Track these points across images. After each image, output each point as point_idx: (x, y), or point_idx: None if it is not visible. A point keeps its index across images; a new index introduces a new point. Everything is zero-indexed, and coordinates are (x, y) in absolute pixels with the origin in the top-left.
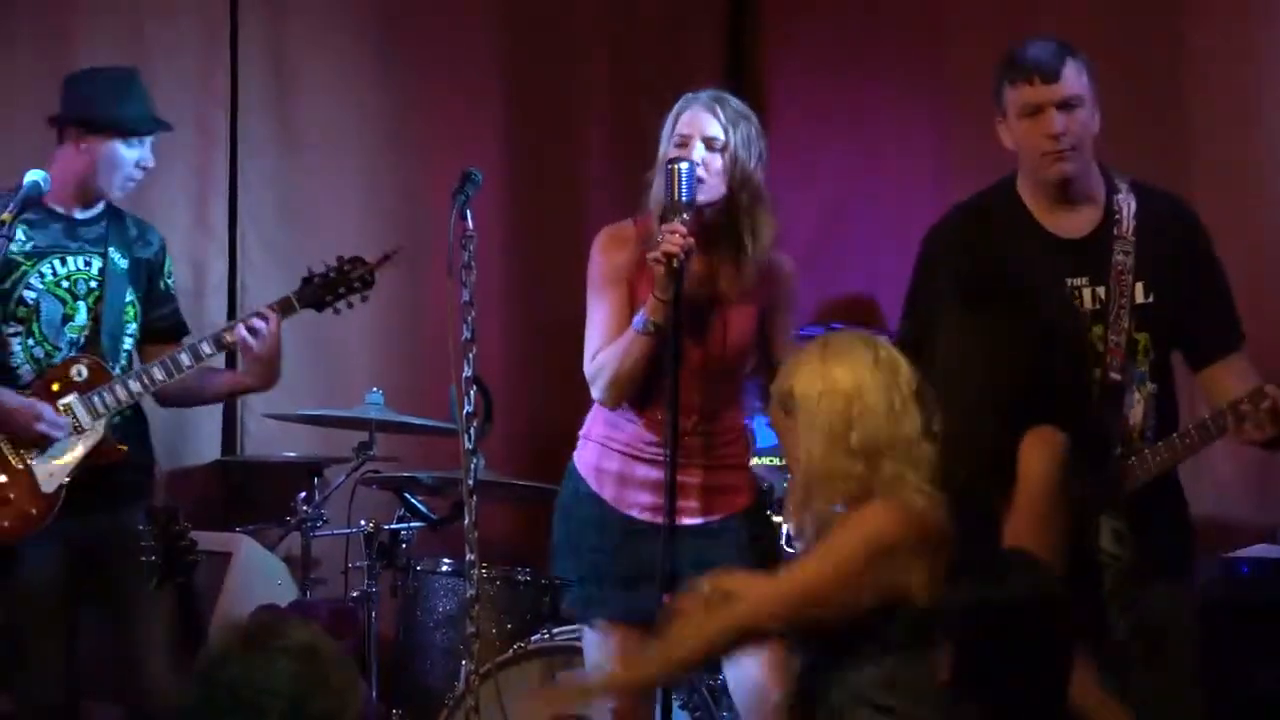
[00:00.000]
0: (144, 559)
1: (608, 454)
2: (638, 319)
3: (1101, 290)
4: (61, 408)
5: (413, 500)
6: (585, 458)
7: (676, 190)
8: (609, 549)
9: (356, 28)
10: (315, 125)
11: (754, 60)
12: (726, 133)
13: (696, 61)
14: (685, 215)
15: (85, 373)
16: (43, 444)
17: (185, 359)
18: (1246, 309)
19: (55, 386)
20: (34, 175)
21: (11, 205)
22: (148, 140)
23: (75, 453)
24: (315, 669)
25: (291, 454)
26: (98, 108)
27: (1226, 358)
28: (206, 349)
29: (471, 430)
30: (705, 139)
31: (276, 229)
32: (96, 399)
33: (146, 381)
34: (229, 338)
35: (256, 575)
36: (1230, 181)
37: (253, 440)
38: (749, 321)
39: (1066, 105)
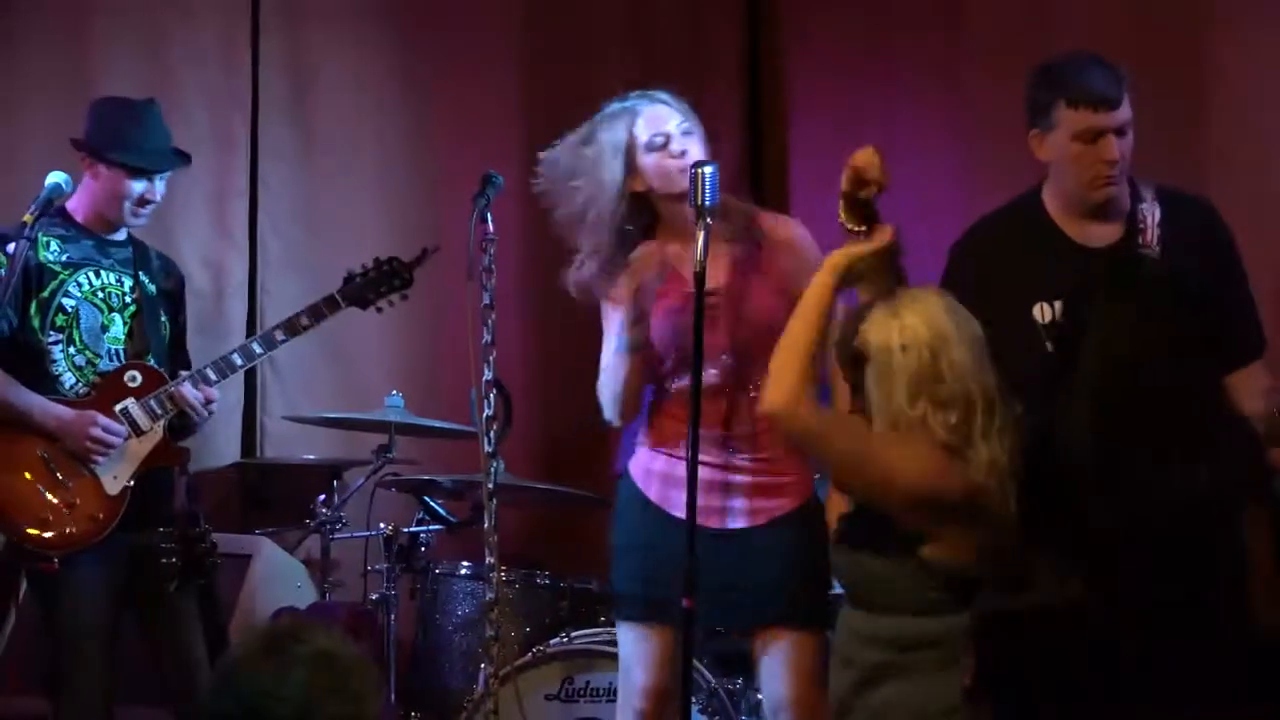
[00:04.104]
0: (164, 561)
1: (655, 455)
2: (618, 341)
3: None
4: (118, 413)
5: (432, 503)
6: (636, 460)
7: (700, 194)
8: (652, 550)
9: (376, 31)
10: (335, 128)
11: (773, 62)
12: (689, 117)
13: (716, 63)
14: (709, 220)
15: (139, 378)
16: (101, 453)
17: (238, 359)
18: (1267, 319)
19: (111, 395)
20: (55, 177)
21: (33, 207)
22: (156, 176)
23: (138, 455)
24: (330, 675)
25: (311, 456)
26: (105, 140)
27: (1246, 365)
28: (258, 349)
29: (491, 433)
30: (681, 130)
31: (296, 232)
32: (153, 401)
33: (202, 383)
34: (280, 337)
35: (276, 578)
36: (1251, 194)
37: (272, 442)
38: (768, 296)
39: (1121, 131)
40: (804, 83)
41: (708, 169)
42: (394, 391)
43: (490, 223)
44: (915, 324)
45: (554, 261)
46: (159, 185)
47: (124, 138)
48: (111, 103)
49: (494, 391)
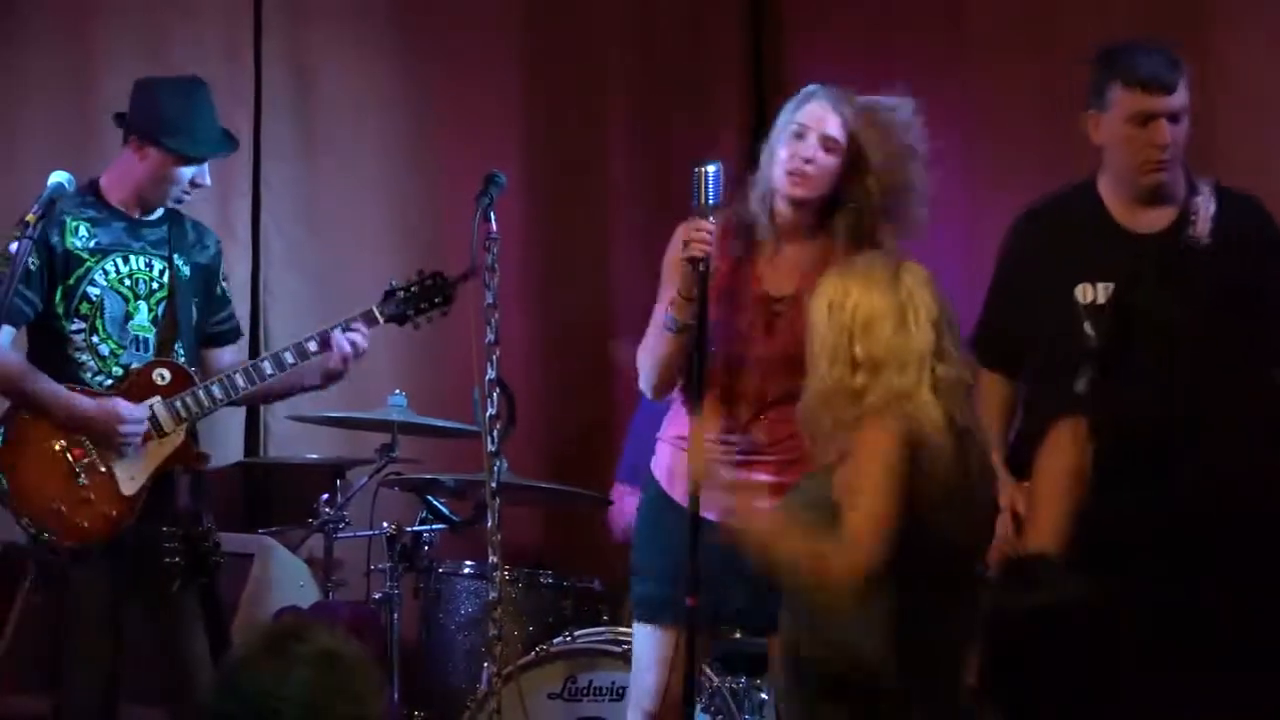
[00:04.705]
0: (168, 560)
1: (680, 455)
2: (666, 317)
3: None
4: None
5: (435, 502)
6: (659, 460)
7: (703, 194)
8: (675, 550)
9: (378, 31)
10: (337, 128)
11: (774, 62)
12: (845, 134)
13: (719, 62)
14: (712, 218)
15: (168, 376)
16: (125, 445)
17: (268, 367)
18: None
19: (138, 392)
20: (58, 177)
21: (36, 208)
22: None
23: (157, 456)
24: (334, 676)
25: (314, 456)
26: (157, 124)
27: None
28: (289, 358)
29: (494, 432)
30: (822, 136)
31: (299, 231)
32: (179, 403)
33: (230, 388)
34: (313, 348)
35: (279, 577)
36: (1255, 191)
37: (275, 442)
38: None
39: (1175, 117)
40: (805, 83)
41: (709, 168)
42: (397, 391)
43: (493, 222)
44: (853, 289)
45: (556, 260)
46: (205, 169)
47: (176, 121)
48: (162, 83)
49: (497, 390)
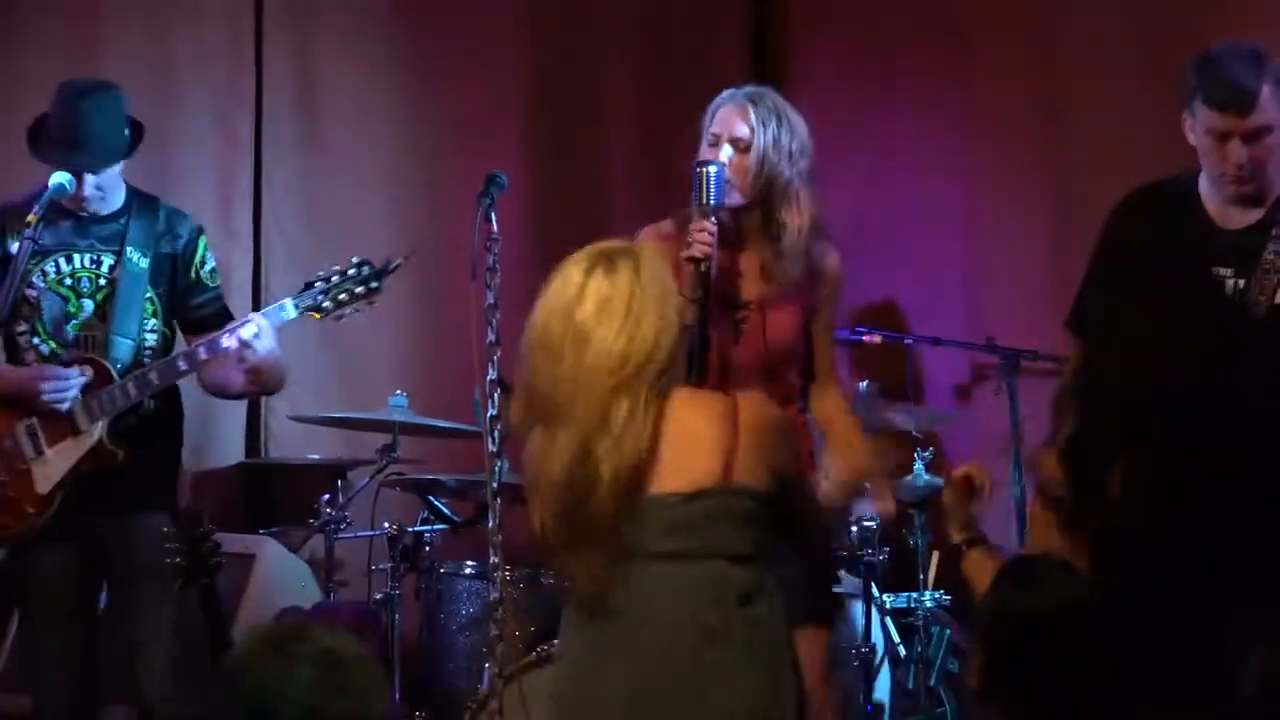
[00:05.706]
0: (167, 560)
1: None
2: None
3: (1241, 283)
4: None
5: (436, 503)
6: None
7: (704, 194)
8: None
9: (381, 31)
10: (339, 128)
11: (779, 63)
12: (755, 134)
13: (721, 64)
14: (713, 218)
15: (89, 374)
16: (59, 403)
17: (181, 364)
18: None
19: None
20: (59, 177)
21: (37, 208)
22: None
23: (72, 455)
24: (335, 674)
25: (315, 456)
26: (34, 133)
27: None
28: (202, 354)
29: (496, 433)
30: (733, 140)
31: (300, 231)
32: (95, 401)
33: (144, 384)
34: (225, 342)
35: (280, 578)
36: None
37: (276, 442)
38: (791, 321)
39: (1254, 135)
40: (806, 84)
41: (711, 168)
42: (398, 391)
43: (494, 222)
44: (544, 297)
45: (558, 261)
46: (89, 179)
47: (49, 130)
48: (60, 92)
49: (498, 391)
